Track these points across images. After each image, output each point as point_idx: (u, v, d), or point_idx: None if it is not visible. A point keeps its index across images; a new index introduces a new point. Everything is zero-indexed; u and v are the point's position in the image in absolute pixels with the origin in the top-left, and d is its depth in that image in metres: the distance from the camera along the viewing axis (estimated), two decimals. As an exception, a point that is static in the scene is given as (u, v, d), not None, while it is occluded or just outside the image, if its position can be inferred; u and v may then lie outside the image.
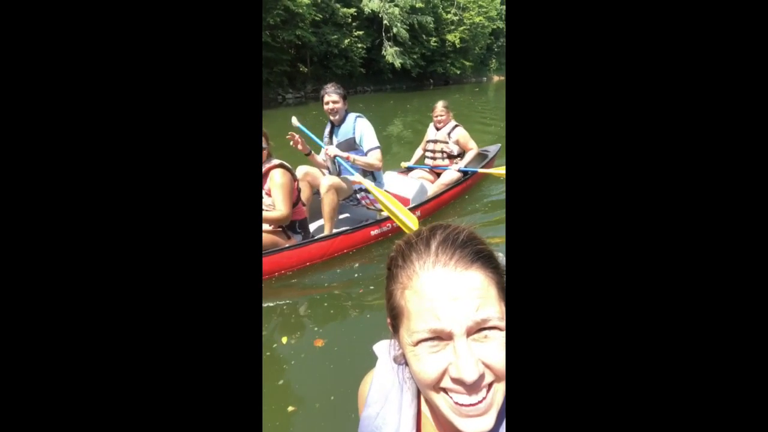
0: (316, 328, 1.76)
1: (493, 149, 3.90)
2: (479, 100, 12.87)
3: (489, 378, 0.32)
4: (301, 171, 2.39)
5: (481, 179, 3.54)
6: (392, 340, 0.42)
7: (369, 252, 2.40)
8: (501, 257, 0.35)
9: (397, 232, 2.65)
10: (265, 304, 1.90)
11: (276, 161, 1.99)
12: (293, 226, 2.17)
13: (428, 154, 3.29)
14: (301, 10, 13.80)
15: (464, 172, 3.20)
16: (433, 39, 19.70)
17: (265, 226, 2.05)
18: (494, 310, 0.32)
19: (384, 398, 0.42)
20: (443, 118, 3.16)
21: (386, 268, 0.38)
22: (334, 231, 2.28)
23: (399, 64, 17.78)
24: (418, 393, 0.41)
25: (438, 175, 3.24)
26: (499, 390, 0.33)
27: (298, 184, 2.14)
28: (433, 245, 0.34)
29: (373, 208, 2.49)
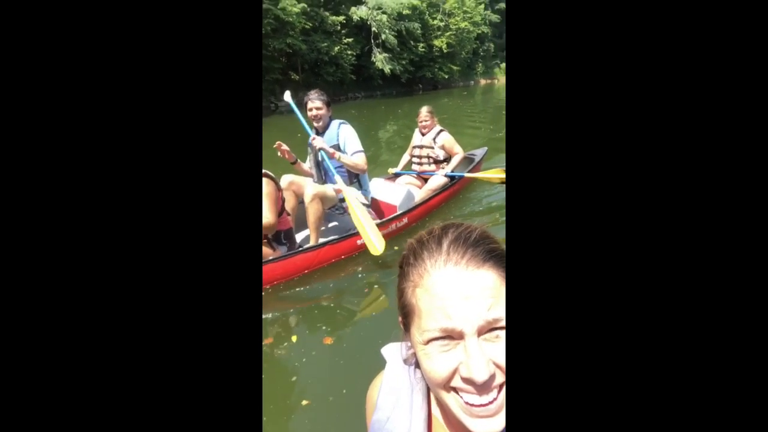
0: (324, 327, 1.82)
1: (479, 153, 3.92)
2: (468, 103, 13.01)
3: (500, 379, 0.32)
4: (285, 180, 2.38)
5: (468, 183, 3.56)
6: (401, 343, 0.43)
7: (357, 261, 2.39)
8: None
9: (387, 239, 2.64)
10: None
11: None
12: (278, 237, 2.15)
13: (415, 159, 3.31)
14: (290, 19, 13.88)
15: (451, 177, 3.22)
16: (421, 45, 19.91)
17: None
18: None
19: (394, 401, 0.42)
20: (428, 123, 3.18)
21: (398, 266, 0.38)
22: (321, 241, 2.27)
23: (389, 70, 17.92)
24: (429, 395, 0.41)
25: (425, 180, 3.25)
26: None
27: (282, 194, 2.13)
28: (445, 244, 0.34)
29: (359, 215, 2.48)
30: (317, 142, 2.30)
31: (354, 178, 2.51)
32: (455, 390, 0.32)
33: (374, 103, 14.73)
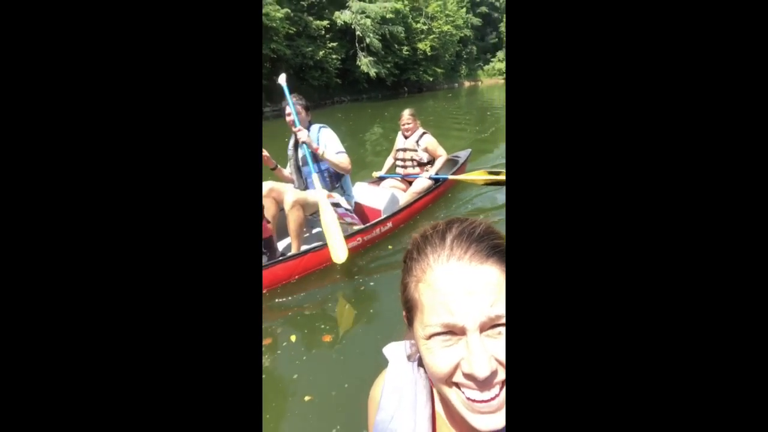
0: (322, 326, 1.84)
1: (463, 155, 3.93)
2: (452, 105, 13.12)
3: (502, 375, 0.31)
4: (265, 187, 2.33)
5: (453, 185, 3.56)
6: (403, 342, 0.43)
7: (343, 268, 2.35)
8: None
9: (371, 244, 2.61)
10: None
11: None
12: (258, 245, 2.09)
13: (399, 162, 3.29)
14: (274, 24, 13.78)
15: (436, 180, 3.21)
16: (405, 48, 20.05)
17: None
18: None
19: (398, 400, 0.42)
20: (410, 126, 3.17)
21: (402, 261, 0.38)
22: (303, 248, 2.22)
23: (374, 74, 17.97)
24: (432, 394, 0.41)
25: (410, 183, 3.23)
26: None
27: (261, 201, 2.08)
28: (449, 238, 0.34)
29: (342, 221, 2.44)
30: (302, 134, 2.24)
31: (336, 182, 2.47)
32: (457, 385, 0.32)
33: (360, 107, 14.73)
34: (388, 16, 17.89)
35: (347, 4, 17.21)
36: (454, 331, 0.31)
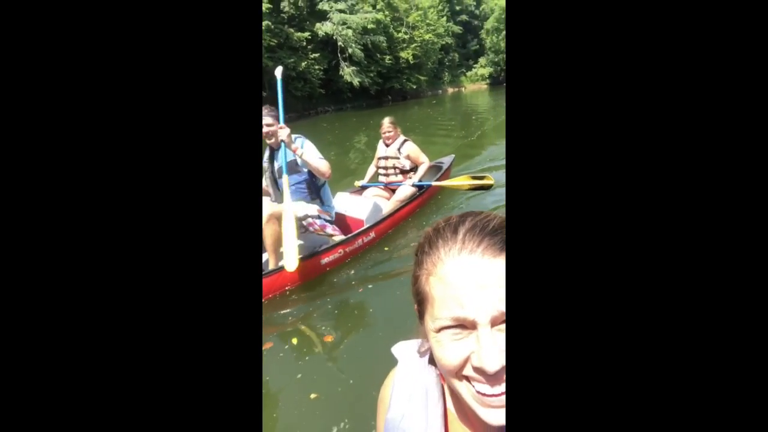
0: (322, 328, 1.88)
1: (446, 160, 3.90)
2: (437, 112, 13.29)
3: None
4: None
5: (438, 192, 3.51)
6: (412, 341, 0.44)
7: (331, 278, 2.27)
8: None
9: (353, 255, 2.52)
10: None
11: None
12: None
13: (381, 171, 3.23)
14: (253, 37, 13.75)
15: (419, 186, 3.16)
16: (388, 57, 20.24)
17: None
18: None
19: (408, 399, 0.41)
20: (391, 134, 3.12)
21: (414, 254, 0.37)
22: (280, 264, 2.12)
23: (357, 83, 18.05)
24: (444, 392, 0.41)
25: (393, 191, 3.17)
26: None
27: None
28: (461, 232, 0.33)
29: (323, 233, 2.35)
30: (283, 132, 2.13)
31: (315, 193, 2.39)
32: (467, 379, 0.32)
33: (345, 116, 14.77)
34: (369, 27, 18.07)
35: (328, 16, 17.32)
36: (464, 325, 0.31)
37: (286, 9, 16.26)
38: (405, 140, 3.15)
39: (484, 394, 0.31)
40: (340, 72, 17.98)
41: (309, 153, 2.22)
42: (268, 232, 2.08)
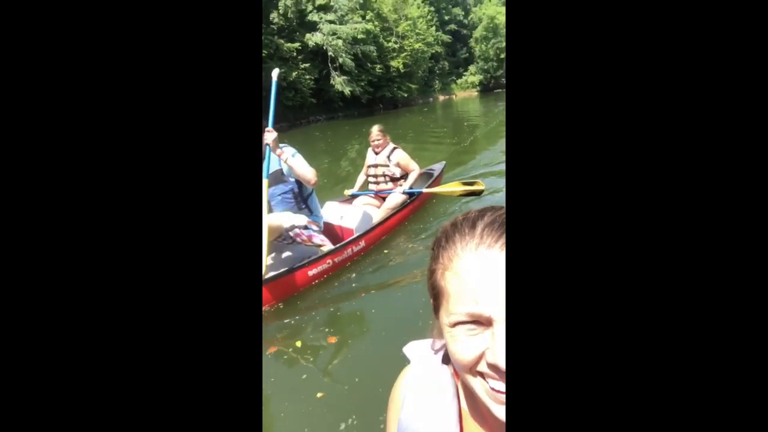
0: (326, 330, 1.87)
1: (437, 167, 3.87)
2: (429, 119, 13.40)
3: None
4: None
5: (429, 199, 3.47)
6: (425, 340, 0.44)
7: (320, 289, 2.20)
8: None
9: (343, 266, 2.46)
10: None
11: None
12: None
13: (371, 179, 3.19)
14: (243, 48, 13.79)
15: (410, 194, 3.12)
16: (378, 66, 20.43)
17: None
18: None
19: (421, 398, 0.41)
20: (380, 142, 3.08)
21: (430, 248, 0.38)
22: (266, 277, 2.04)
23: (348, 92, 18.14)
24: (458, 391, 0.41)
25: (384, 199, 3.12)
26: None
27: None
28: (479, 227, 0.32)
29: (311, 243, 2.29)
30: (269, 136, 2.08)
31: (302, 203, 2.33)
32: (481, 375, 0.32)
33: (337, 125, 14.81)
34: (359, 37, 18.25)
35: (318, 27, 17.47)
36: (479, 321, 0.31)
37: (276, 20, 16.36)
38: (395, 148, 3.11)
39: (498, 391, 0.30)
40: (331, 81, 18.07)
41: (294, 159, 2.17)
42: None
